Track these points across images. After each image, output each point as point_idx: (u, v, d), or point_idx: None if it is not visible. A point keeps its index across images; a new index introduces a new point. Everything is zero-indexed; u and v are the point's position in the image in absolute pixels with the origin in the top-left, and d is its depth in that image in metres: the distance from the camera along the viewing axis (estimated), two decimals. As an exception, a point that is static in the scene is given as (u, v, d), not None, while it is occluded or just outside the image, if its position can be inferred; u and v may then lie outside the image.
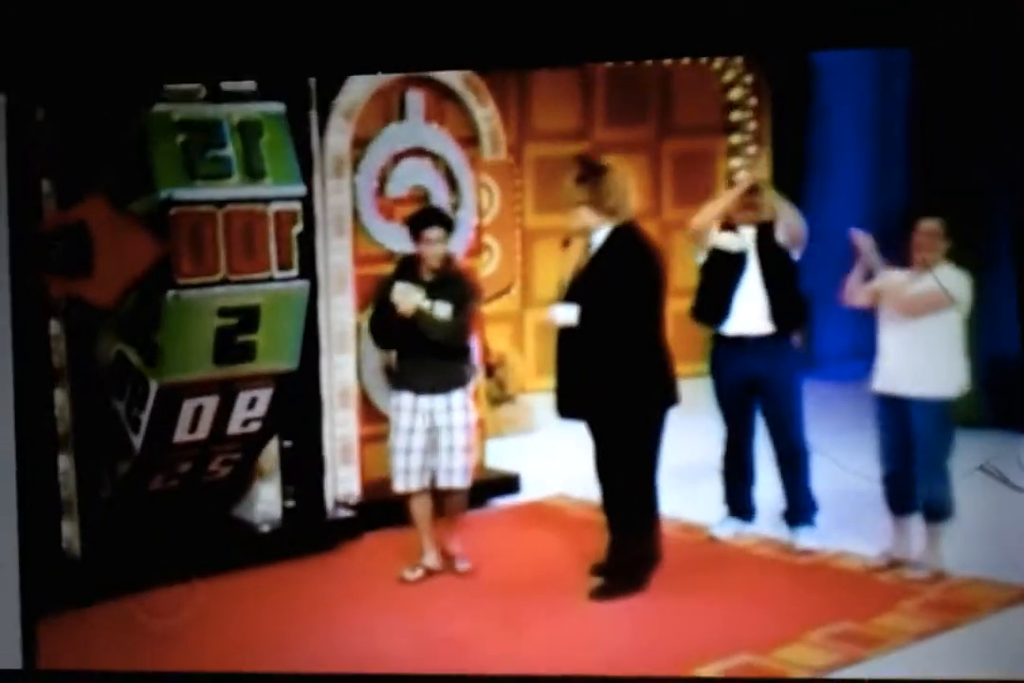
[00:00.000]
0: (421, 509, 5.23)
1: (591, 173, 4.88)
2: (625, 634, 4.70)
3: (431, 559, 5.25)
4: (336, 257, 5.71)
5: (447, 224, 5.21)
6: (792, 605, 4.84)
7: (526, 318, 7.33)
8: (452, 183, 6.01)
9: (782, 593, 4.96)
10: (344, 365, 5.77)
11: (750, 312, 5.29)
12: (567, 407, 4.94)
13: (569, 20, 4.60)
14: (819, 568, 5.18)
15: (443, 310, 5.04)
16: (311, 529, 5.58)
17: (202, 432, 5.23)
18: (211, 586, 5.05)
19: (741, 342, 5.30)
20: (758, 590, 4.99)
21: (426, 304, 5.03)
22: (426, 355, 5.08)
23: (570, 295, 4.89)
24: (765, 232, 5.32)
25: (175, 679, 4.55)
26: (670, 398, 4.91)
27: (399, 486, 5.20)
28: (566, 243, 5.00)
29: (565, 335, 4.89)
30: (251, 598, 5.07)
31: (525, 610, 4.87)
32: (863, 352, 5.29)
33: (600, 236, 4.87)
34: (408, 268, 5.20)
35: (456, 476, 5.15)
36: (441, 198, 5.94)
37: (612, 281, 4.80)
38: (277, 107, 5.27)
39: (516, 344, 7.33)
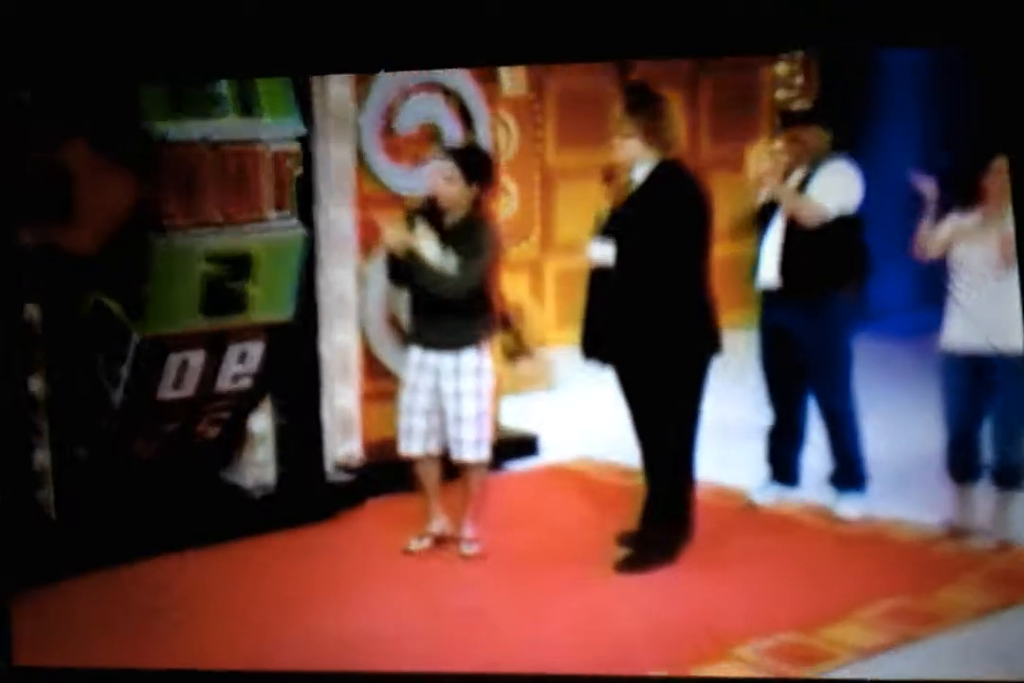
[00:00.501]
0: (428, 474, 5.09)
1: (647, 103, 4.81)
2: (654, 610, 4.54)
3: (439, 525, 5.11)
4: (336, 212, 5.52)
5: (465, 161, 4.90)
6: (840, 579, 4.72)
7: (546, 265, 7.24)
8: (466, 119, 5.85)
9: (829, 565, 4.86)
10: (345, 330, 5.64)
11: (774, 264, 5.21)
12: (595, 350, 4.84)
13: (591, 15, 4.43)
14: (871, 538, 5.07)
15: (449, 261, 4.84)
16: (308, 495, 5.48)
17: (189, 389, 5.13)
18: (198, 558, 4.95)
19: (773, 295, 5.24)
20: (802, 562, 4.90)
21: (422, 245, 4.81)
22: (436, 306, 4.90)
23: (608, 231, 4.77)
24: (809, 178, 5.18)
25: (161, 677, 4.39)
26: (712, 345, 4.81)
27: (402, 449, 5.07)
28: (608, 177, 4.87)
29: (598, 274, 4.79)
30: (241, 571, 4.94)
31: (544, 584, 4.74)
32: (921, 304, 5.12)
33: (642, 171, 4.77)
34: (428, 209, 4.96)
35: (466, 448, 4.96)
36: (453, 136, 5.78)
37: (656, 218, 4.70)
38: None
39: (535, 293, 7.31)
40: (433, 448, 5.03)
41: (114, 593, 4.72)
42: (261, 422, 5.46)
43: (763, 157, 5.25)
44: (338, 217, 5.54)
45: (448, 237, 4.87)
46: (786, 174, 5.25)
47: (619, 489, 5.11)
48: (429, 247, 4.86)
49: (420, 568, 4.97)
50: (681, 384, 4.78)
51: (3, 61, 4.61)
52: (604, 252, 4.75)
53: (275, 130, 5.08)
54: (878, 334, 5.94)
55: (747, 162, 5.26)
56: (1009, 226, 4.68)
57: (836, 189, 5.16)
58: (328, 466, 5.60)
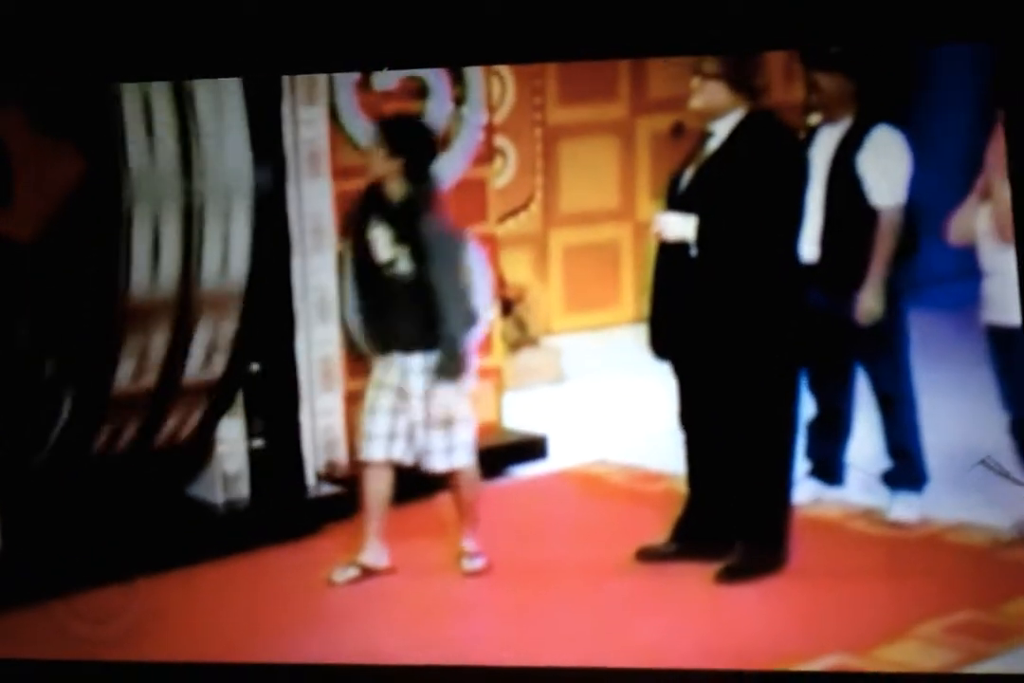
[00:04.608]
0: (374, 487, 5.15)
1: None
2: (684, 633, 4.67)
3: (372, 555, 5.18)
4: (311, 186, 5.62)
5: (389, 131, 5.13)
6: (897, 591, 4.80)
7: (551, 240, 7.23)
8: (456, 71, 5.93)
9: (884, 576, 4.92)
10: (327, 341, 5.73)
11: (814, 237, 5.21)
12: (668, 346, 4.88)
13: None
14: (932, 544, 5.13)
15: (404, 263, 5.01)
16: (287, 508, 5.57)
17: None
18: (160, 582, 5.03)
19: (813, 272, 5.21)
20: (852, 573, 4.94)
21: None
22: (387, 305, 5.07)
23: (684, 200, 4.81)
24: (854, 135, 5.19)
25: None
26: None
27: (360, 454, 5.19)
28: (677, 129, 4.97)
29: (671, 253, 4.81)
30: (210, 596, 5.05)
31: (553, 606, 4.86)
32: (971, 272, 5.19)
33: (727, 125, 4.79)
34: (373, 197, 5.14)
35: (435, 457, 5.13)
36: (441, 90, 5.89)
37: (752, 183, 4.71)
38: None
39: (539, 273, 7.25)
40: (397, 454, 5.13)
41: (58, 624, 4.82)
42: (233, 428, 5.55)
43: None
44: (313, 193, 5.61)
45: (396, 226, 5.04)
46: (807, 132, 5.23)
47: (640, 496, 5.18)
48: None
49: (416, 587, 5.06)
50: (780, 385, 4.83)
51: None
52: (684, 226, 4.75)
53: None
54: (924, 307, 6.04)
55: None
56: (1005, 197, 4.81)
57: (895, 170, 5.16)
58: (310, 476, 5.68)
